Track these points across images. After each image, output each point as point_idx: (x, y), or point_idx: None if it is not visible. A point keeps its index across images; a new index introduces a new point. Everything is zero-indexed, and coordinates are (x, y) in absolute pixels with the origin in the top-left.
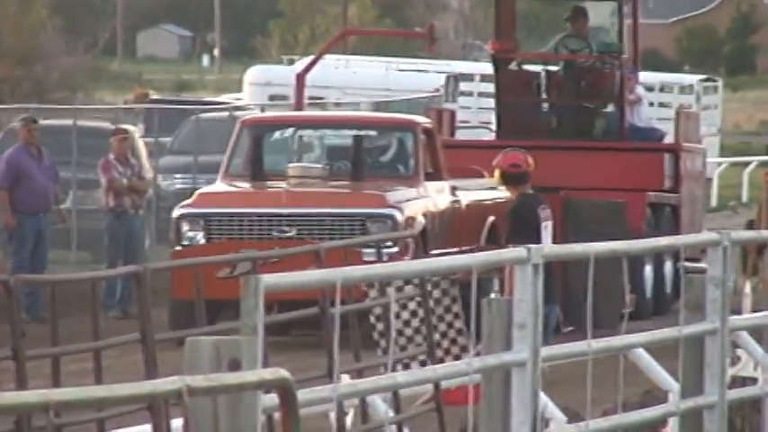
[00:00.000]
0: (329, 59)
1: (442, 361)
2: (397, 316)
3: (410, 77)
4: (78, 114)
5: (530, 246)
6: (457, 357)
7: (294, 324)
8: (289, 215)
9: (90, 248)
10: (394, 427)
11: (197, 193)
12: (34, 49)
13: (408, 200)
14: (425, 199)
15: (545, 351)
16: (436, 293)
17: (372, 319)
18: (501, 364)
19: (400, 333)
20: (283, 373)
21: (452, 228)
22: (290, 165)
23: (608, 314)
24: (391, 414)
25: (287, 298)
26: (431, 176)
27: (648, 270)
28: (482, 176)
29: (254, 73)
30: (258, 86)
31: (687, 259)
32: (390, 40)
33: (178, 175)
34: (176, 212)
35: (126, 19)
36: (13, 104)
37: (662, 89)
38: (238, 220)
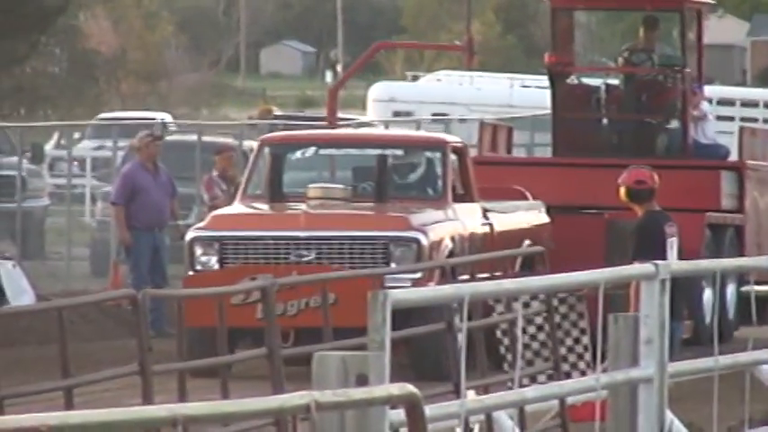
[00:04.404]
0: (454, 76)
1: (569, 376)
2: (524, 331)
3: (534, 94)
4: (203, 130)
5: (657, 261)
6: (584, 373)
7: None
8: (307, 238)
9: None
10: None
11: (211, 214)
12: (159, 65)
13: (434, 222)
14: (453, 222)
15: (672, 367)
16: (563, 309)
17: (499, 333)
18: (628, 379)
19: (527, 347)
20: (411, 388)
21: (483, 253)
22: (311, 185)
23: None
24: (517, 430)
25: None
26: (461, 198)
27: (708, 294)
28: (524, 197)
29: (378, 89)
30: (382, 103)
31: (755, 282)
32: (513, 57)
33: None
34: (189, 235)
35: (250, 35)
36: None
37: None
38: (254, 244)
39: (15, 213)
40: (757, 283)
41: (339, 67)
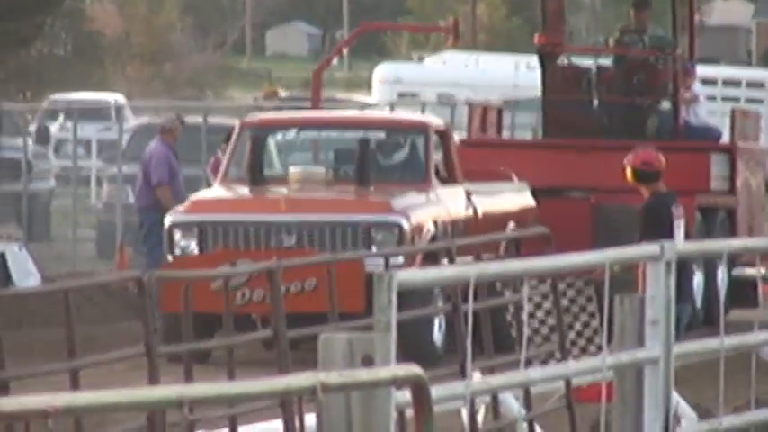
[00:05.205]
0: (459, 57)
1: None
2: (533, 315)
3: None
4: (208, 112)
5: (663, 243)
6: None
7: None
8: (288, 223)
9: None
10: (525, 424)
11: (190, 199)
12: (164, 47)
13: (417, 206)
14: (436, 205)
15: (677, 348)
16: (571, 293)
17: (509, 316)
18: (634, 361)
19: (536, 332)
20: (417, 369)
21: (467, 236)
22: (292, 169)
23: None
24: (523, 411)
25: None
26: (444, 181)
27: (698, 278)
28: (510, 179)
29: (384, 70)
30: (387, 84)
31: (745, 264)
32: (518, 37)
33: None
34: (168, 220)
35: (255, 17)
36: (143, 102)
37: None
38: (234, 229)
39: (21, 196)
40: (747, 265)
41: (345, 50)
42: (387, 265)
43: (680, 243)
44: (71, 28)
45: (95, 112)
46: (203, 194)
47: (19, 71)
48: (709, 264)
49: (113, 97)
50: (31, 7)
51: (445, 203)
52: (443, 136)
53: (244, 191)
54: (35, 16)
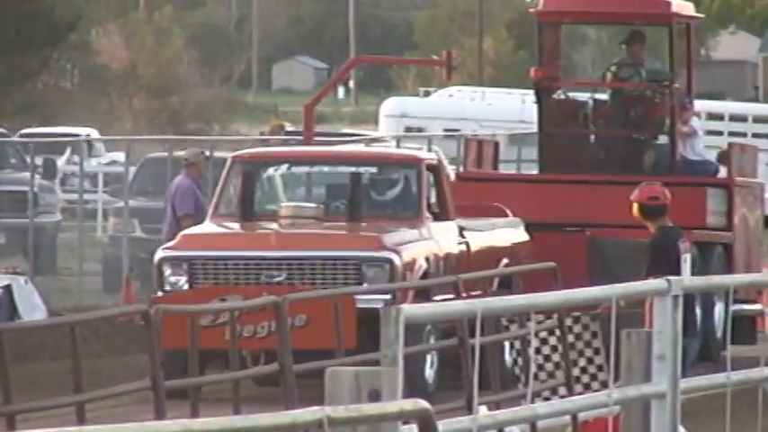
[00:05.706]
0: (465, 91)
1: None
2: (538, 351)
3: None
4: (214, 145)
5: (669, 278)
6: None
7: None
8: (278, 258)
9: None
10: None
11: (180, 234)
12: (171, 80)
13: (408, 242)
14: (428, 241)
15: (684, 383)
16: (577, 328)
17: (513, 353)
18: (640, 395)
19: (541, 368)
20: (424, 403)
21: (459, 272)
22: (283, 204)
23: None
24: None
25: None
26: (436, 216)
27: (697, 313)
28: (504, 214)
29: (390, 105)
30: (394, 118)
31: (741, 301)
32: (524, 71)
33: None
34: (158, 255)
35: (261, 51)
36: (149, 135)
37: None
38: (224, 264)
39: (27, 229)
40: (745, 301)
41: (351, 83)
42: (394, 300)
43: (687, 278)
44: (77, 61)
45: (66, 146)
46: (193, 230)
47: (25, 104)
48: (707, 299)
49: (86, 131)
50: (38, 41)
51: (437, 239)
52: (436, 171)
53: (234, 226)
54: (41, 49)
